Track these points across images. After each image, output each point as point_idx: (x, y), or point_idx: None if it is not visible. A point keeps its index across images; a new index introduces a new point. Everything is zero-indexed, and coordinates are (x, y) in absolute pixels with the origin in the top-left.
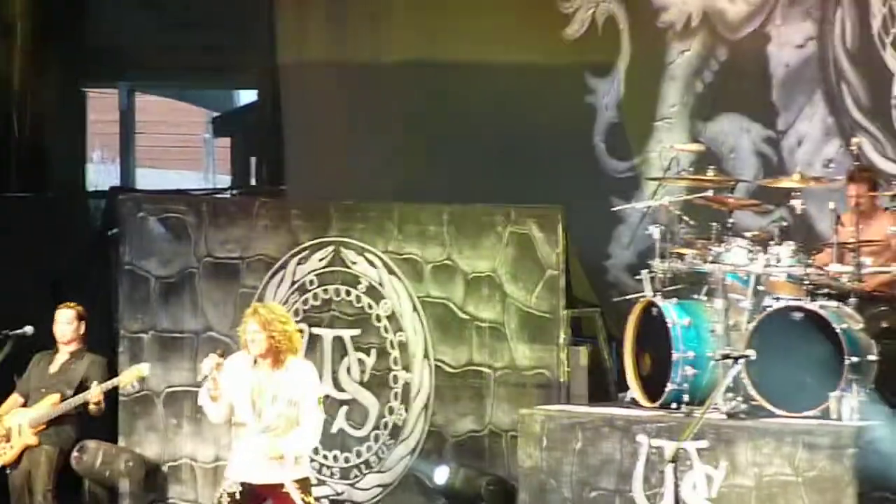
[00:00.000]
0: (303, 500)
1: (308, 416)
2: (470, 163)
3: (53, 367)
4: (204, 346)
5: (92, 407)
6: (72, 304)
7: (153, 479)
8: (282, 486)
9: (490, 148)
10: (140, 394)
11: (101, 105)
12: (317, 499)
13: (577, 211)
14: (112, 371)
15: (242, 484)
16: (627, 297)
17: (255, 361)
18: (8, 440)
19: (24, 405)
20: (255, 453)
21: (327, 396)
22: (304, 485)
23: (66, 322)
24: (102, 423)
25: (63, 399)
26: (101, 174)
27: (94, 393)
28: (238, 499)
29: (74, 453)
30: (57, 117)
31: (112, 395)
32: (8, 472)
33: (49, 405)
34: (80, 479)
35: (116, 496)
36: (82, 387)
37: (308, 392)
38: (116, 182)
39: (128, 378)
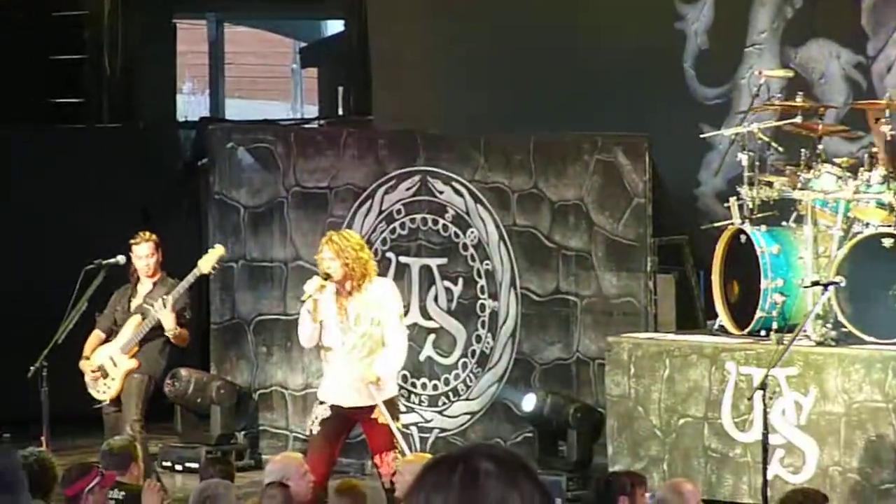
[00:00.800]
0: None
1: (393, 333)
2: (557, 90)
3: (136, 300)
4: (293, 276)
5: (169, 329)
6: (146, 236)
7: (244, 406)
8: (372, 410)
9: (578, 75)
10: (231, 322)
11: (191, 36)
12: (405, 426)
13: (666, 138)
14: (195, 301)
15: (332, 407)
16: (716, 224)
17: (337, 289)
18: (106, 375)
19: (106, 341)
20: (346, 377)
21: (415, 324)
22: (392, 405)
23: (147, 255)
24: (194, 352)
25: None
26: (190, 105)
27: (159, 306)
28: (330, 425)
29: (167, 381)
30: (147, 49)
31: (203, 325)
32: (105, 412)
33: (133, 328)
34: (172, 406)
35: (208, 423)
36: None
37: (390, 309)
38: (206, 112)
39: (207, 263)
